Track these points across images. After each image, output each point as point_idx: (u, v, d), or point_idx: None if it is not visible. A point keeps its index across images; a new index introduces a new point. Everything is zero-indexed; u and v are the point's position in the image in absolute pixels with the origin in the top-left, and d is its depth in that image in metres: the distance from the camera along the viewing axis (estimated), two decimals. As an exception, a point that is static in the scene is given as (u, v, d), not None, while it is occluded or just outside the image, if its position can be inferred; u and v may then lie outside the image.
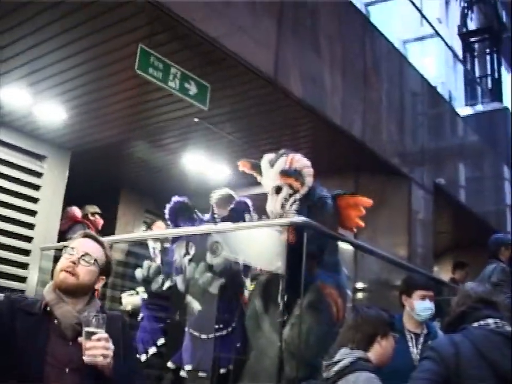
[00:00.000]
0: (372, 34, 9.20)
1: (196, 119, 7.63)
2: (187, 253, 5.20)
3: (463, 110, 14.92)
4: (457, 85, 18.04)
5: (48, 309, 2.59)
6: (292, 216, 4.25)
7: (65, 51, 6.31)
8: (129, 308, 6.08)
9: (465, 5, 18.34)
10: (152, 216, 10.36)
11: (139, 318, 5.59)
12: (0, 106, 7.39)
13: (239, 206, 5.12)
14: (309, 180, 4.41)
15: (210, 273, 4.89)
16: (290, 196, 4.37)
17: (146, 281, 5.48)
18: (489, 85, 17.01)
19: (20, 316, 2.52)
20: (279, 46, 7.00)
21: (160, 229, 7.96)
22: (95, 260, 2.69)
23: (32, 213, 8.26)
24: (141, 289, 5.79)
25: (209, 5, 6.12)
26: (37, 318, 2.54)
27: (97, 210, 8.57)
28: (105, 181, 9.46)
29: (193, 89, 6.43)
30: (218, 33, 6.16)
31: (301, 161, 4.47)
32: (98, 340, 2.43)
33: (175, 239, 5.34)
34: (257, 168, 4.65)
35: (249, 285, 5.13)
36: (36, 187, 8.38)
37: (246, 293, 5.07)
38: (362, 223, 4.61)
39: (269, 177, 4.52)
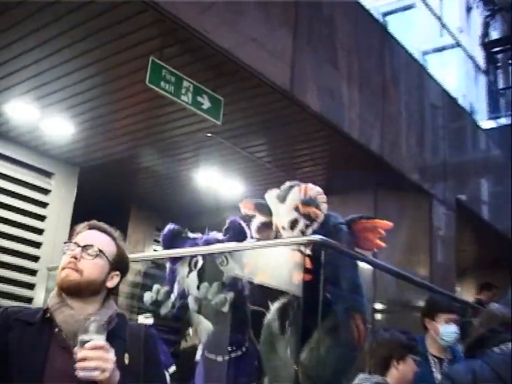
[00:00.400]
0: (390, 45, 9.19)
1: (208, 134, 7.62)
2: (190, 270, 5.21)
3: (486, 123, 14.85)
4: (479, 97, 17.96)
5: (48, 315, 2.33)
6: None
7: (74, 64, 6.32)
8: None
9: (488, 13, 18.25)
10: (163, 234, 10.35)
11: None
12: (4, 120, 7.41)
13: (234, 225, 5.10)
14: (324, 207, 4.38)
15: (224, 294, 4.86)
16: (307, 227, 4.32)
17: (156, 305, 5.46)
18: (513, 97, 16.95)
19: (18, 327, 2.27)
20: (295, 58, 6.99)
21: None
22: (101, 252, 2.38)
23: (39, 231, 8.27)
24: (148, 314, 5.80)
25: (222, 15, 6.13)
26: (36, 327, 2.28)
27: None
28: (115, 198, 9.46)
29: (206, 103, 6.41)
30: (231, 44, 6.16)
31: (314, 189, 4.43)
32: (93, 349, 2.07)
33: (177, 259, 5.36)
34: (261, 208, 4.59)
35: (269, 306, 5.10)
36: (43, 204, 8.38)
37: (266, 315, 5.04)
38: (382, 243, 4.56)
39: (281, 213, 4.45)
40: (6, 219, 7.95)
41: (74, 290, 2.31)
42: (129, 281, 6.61)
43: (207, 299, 4.84)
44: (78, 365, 2.04)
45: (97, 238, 2.41)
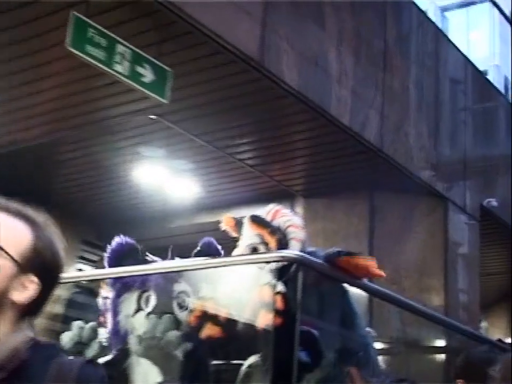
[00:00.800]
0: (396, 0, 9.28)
1: (152, 116, 7.67)
2: (139, 308, 5.20)
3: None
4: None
5: None
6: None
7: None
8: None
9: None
10: (91, 248, 10.40)
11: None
12: None
13: (208, 247, 5.14)
14: (295, 244, 4.45)
15: (178, 331, 4.92)
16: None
17: (79, 348, 5.41)
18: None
19: None
20: (266, 14, 7.01)
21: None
22: None
23: None
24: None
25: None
26: None
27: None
28: (26, 198, 9.44)
29: (148, 75, 6.45)
30: (182, -4, 6.18)
31: (288, 217, 4.52)
32: None
33: (120, 290, 5.32)
34: (241, 226, 4.70)
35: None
36: None
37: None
38: (381, 272, 4.58)
39: (244, 236, 4.57)
40: None
41: None
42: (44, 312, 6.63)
43: (155, 338, 4.88)
44: None
45: None
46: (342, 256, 4.44)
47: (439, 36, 10.23)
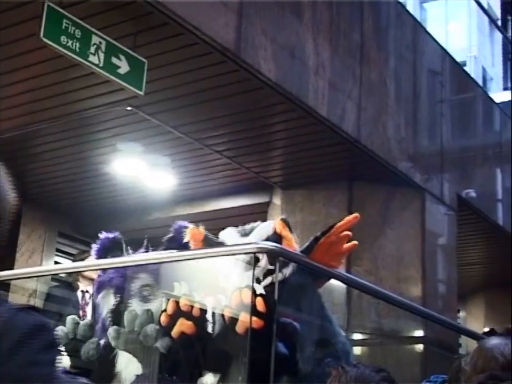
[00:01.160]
0: (373, -11, 9.28)
1: (128, 108, 7.64)
2: (118, 302, 5.15)
3: (501, 95, 15.04)
4: (494, 60, 18.14)
5: None
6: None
7: None
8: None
9: None
10: (68, 241, 10.35)
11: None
12: None
13: (180, 234, 5.03)
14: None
15: (156, 324, 4.86)
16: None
17: (72, 346, 5.24)
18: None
19: None
20: (243, 6, 7.02)
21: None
22: None
23: None
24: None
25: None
26: None
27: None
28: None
29: (124, 66, 6.44)
30: (157, -12, 6.17)
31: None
32: None
33: (99, 287, 5.25)
34: (211, 244, 4.61)
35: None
36: None
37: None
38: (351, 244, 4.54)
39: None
40: None
41: None
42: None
43: (133, 331, 4.83)
44: None
45: None
46: (320, 240, 4.42)
47: (417, 28, 10.24)
